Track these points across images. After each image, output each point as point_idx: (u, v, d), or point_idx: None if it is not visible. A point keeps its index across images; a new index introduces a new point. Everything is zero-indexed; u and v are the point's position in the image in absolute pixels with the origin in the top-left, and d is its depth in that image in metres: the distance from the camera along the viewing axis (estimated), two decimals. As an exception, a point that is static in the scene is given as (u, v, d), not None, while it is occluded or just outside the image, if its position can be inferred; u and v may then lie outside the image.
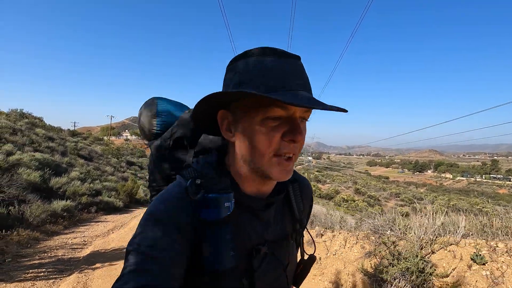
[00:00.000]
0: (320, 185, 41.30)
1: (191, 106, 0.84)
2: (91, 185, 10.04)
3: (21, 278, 3.02)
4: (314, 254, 0.80)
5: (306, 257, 0.78)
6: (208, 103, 0.57)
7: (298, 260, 0.78)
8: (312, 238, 0.80)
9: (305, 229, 0.77)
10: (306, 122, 0.60)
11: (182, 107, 0.88)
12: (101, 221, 7.31)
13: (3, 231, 4.41)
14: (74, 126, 53.73)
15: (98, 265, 3.69)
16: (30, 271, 3.25)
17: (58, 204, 6.61)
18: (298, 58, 0.57)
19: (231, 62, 0.59)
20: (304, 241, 0.79)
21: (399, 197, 36.26)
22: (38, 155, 9.69)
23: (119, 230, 6.30)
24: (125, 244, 4.89)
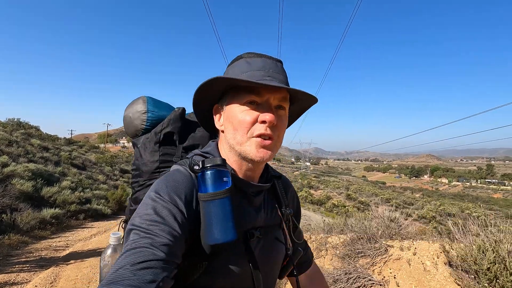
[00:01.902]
0: (312, 191, 42.03)
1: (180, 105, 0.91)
2: (82, 193, 10.68)
3: (8, 271, 3.80)
4: (299, 249, 0.83)
5: (290, 251, 0.79)
6: (201, 96, 0.67)
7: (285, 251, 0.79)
8: (300, 230, 0.85)
9: (293, 221, 0.80)
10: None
11: (169, 107, 0.91)
12: (87, 227, 7.99)
13: (-4, 235, 5.16)
14: (71, 134, 54.48)
15: (72, 261, 4.48)
16: (16, 266, 4.03)
17: (47, 212, 7.28)
18: (279, 61, 0.67)
19: (228, 65, 0.70)
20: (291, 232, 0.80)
21: (389, 202, 36.91)
22: (31, 165, 10.36)
23: (101, 235, 7.04)
24: (101, 246, 5.66)
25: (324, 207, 32.20)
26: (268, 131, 0.61)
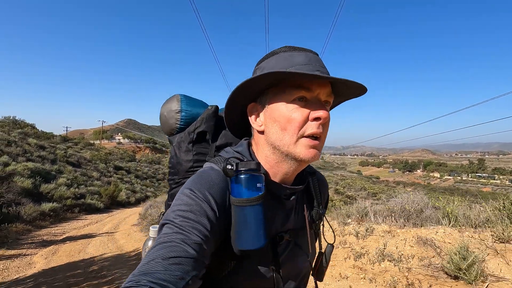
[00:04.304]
0: (302, 186, 43.08)
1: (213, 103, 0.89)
2: (77, 189, 11.73)
3: (20, 248, 5.01)
4: (333, 244, 0.82)
5: (323, 248, 0.78)
6: (240, 93, 0.64)
7: (317, 252, 0.78)
8: (332, 229, 0.83)
9: (325, 219, 0.80)
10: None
11: (203, 104, 0.89)
12: (81, 219, 9.10)
13: (6, 224, 6.33)
14: (66, 130, 54.95)
15: (67, 242, 5.71)
16: (25, 245, 5.24)
17: (46, 206, 8.34)
18: (317, 54, 0.65)
19: (259, 62, 0.67)
20: (323, 232, 0.80)
21: (376, 196, 38.08)
22: (30, 164, 11.38)
23: (93, 225, 8.22)
24: (92, 232, 6.87)
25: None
26: (320, 129, 0.60)
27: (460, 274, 2.55)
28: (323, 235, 0.79)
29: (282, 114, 0.60)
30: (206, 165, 0.67)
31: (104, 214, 10.64)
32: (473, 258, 2.49)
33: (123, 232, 6.98)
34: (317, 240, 0.79)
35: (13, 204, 7.57)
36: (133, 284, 0.42)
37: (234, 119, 0.73)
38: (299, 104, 0.60)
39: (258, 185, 0.58)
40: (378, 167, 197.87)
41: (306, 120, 0.59)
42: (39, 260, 4.55)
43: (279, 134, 0.61)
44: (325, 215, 0.79)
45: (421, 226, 3.27)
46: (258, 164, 0.60)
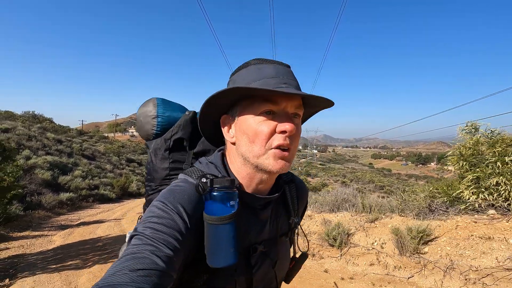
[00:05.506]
0: (310, 179, 44.11)
1: (192, 108, 0.87)
2: (91, 181, 12.68)
3: (41, 230, 6.05)
4: (307, 252, 0.84)
5: (298, 254, 0.81)
6: (210, 106, 0.65)
7: (291, 257, 0.81)
8: (306, 237, 0.85)
9: (299, 227, 0.80)
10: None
11: (181, 108, 0.87)
12: (95, 208, 10.03)
13: (30, 211, 7.36)
14: (82, 124, 57.10)
15: (82, 226, 6.70)
16: (46, 228, 6.27)
17: (64, 196, 9.30)
18: (289, 66, 0.67)
19: (233, 73, 0.68)
20: (298, 239, 0.82)
21: (383, 189, 38.34)
22: (49, 158, 12.35)
23: (105, 213, 9.19)
24: (104, 218, 7.82)
25: (318, 194, 33.95)
26: (287, 141, 0.60)
27: (332, 242, 3.76)
28: (297, 243, 0.80)
29: (250, 126, 0.61)
30: (181, 176, 0.67)
31: (116, 204, 11.48)
32: (338, 231, 3.67)
33: (128, 219, 7.90)
34: (291, 246, 0.81)
35: (35, 193, 8.62)
36: None
37: (211, 131, 0.74)
38: (266, 117, 0.61)
39: (232, 203, 0.59)
40: (391, 160, 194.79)
41: (273, 133, 0.60)
42: (58, 239, 5.57)
43: (248, 146, 0.62)
44: (299, 225, 0.80)
45: (333, 212, 4.12)
46: (233, 181, 0.60)
